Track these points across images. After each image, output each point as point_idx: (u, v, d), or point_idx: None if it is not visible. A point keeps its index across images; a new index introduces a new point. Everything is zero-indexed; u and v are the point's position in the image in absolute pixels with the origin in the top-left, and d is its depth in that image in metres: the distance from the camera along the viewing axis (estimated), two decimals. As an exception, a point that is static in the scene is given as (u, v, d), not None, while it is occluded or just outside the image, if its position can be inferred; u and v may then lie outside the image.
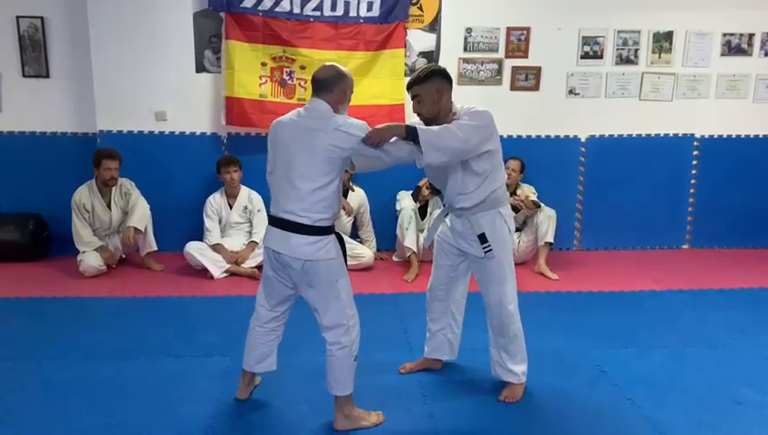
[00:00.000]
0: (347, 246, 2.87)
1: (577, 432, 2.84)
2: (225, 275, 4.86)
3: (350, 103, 2.81)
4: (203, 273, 4.83)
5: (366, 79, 5.22)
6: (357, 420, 2.79)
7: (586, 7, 5.39)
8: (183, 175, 5.34)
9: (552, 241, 5.03)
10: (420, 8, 5.31)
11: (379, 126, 2.65)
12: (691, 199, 5.79)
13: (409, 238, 4.95)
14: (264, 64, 5.20)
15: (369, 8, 5.19)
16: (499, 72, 5.43)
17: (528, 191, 5.21)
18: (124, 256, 5.18)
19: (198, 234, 5.07)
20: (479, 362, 3.31)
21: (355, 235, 5.38)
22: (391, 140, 2.66)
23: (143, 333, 3.74)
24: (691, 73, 5.56)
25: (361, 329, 2.78)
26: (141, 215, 4.90)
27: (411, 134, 2.65)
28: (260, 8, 5.09)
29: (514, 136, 5.46)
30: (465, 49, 5.39)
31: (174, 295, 4.42)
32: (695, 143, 5.70)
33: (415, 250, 4.96)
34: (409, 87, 2.91)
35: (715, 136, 5.70)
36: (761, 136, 5.73)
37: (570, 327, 3.93)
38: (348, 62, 5.01)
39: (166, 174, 5.30)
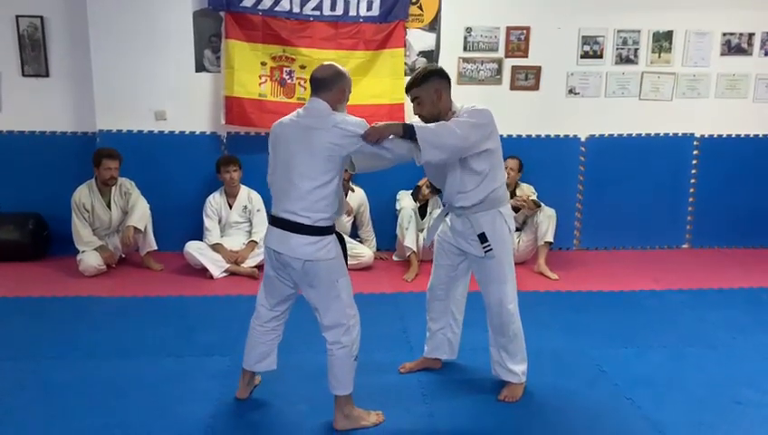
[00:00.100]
0: (347, 245, 2.87)
1: (576, 432, 2.84)
2: (224, 274, 4.85)
3: (350, 103, 2.82)
4: (203, 272, 4.83)
5: (366, 78, 5.22)
6: (357, 420, 2.79)
7: (586, 7, 5.39)
8: (183, 174, 5.34)
9: (551, 241, 5.03)
10: (420, 7, 5.31)
11: (376, 124, 2.65)
12: (691, 199, 5.79)
13: (409, 238, 4.95)
14: (263, 64, 5.20)
15: (369, 7, 5.19)
16: (499, 71, 5.43)
17: (528, 191, 5.22)
18: (124, 256, 5.17)
19: (198, 233, 5.07)
20: (479, 361, 3.31)
21: (355, 234, 5.38)
22: (390, 138, 2.66)
23: (143, 333, 3.74)
24: (691, 73, 5.56)
25: (361, 329, 2.78)
26: (141, 214, 4.89)
27: (408, 132, 2.65)
28: (260, 7, 5.08)
29: (514, 135, 5.46)
30: (465, 48, 5.38)
31: (174, 295, 4.42)
32: (694, 143, 5.70)
33: (415, 250, 4.96)
34: (408, 89, 2.91)
35: (715, 136, 5.70)
36: (761, 136, 5.73)
37: (569, 327, 3.93)
38: (347, 62, 5.01)
39: (165, 174, 5.30)
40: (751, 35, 5.54)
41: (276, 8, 5.10)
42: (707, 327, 3.97)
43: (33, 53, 5.21)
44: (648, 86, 5.55)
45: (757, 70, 5.60)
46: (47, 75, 5.25)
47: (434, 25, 5.34)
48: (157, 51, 5.14)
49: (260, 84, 5.21)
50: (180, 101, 5.25)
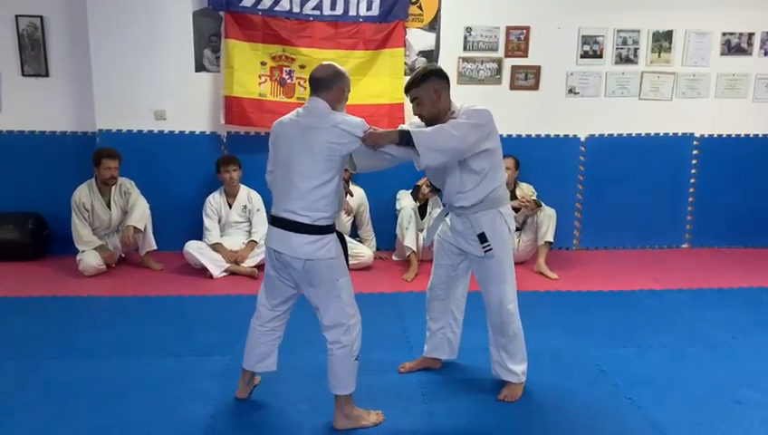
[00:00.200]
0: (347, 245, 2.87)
1: (576, 432, 2.84)
2: (224, 274, 4.85)
3: (350, 102, 2.82)
4: (202, 272, 4.83)
5: (365, 78, 5.22)
6: (357, 420, 2.79)
7: (586, 6, 5.39)
8: (182, 174, 5.34)
9: (551, 240, 5.03)
10: (420, 7, 5.30)
11: (374, 130, 2.65)
12: (690, 199, 5.79)
13: (409, 238, 4.95)
14: (263, 63, 5.20)
15: (369, 7, 5.18)
16: (499, 71, 5.43)
17: (527, 190, 5.22)
18: (123, 256, 5.17)
19: (198, 233, 5.07)
20: (479, 361, 3.31)
21: (355, 234, 5.38)
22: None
23: (143, 333, 3.74)
24: (691, 73, 5.56)
25: (362, 328, 2.78)
26: (141, 214, 4.89)
27: (405, 139, 2.66)
28: (259, 7, 5.08)
29: (514, 135, 5.45)
30: (465, 48, 5.38)
31: (173, 295, 4.42)
32: (694, 142, 5.70)
33: (414, 249, 4.96)
34: (407, 90, 2.92)
35: (715, 135, 5.70)
36: (760, 135, 5.73)
37: (569, 326, 3.93)
38: (347, 62, 5.01)
39: (165, 173, 5.30)
40: (751, 35, 5.54)
41: (276, 8, 5.10)
42: (707, 327, 3.98)
43: (32, 53, 5.21)
44: (647, 86, 5.55)
45: (757, 70, 5.60)
46: (47, 75, 5.24)
47: (434, 25, 5.34)
48: (156, 50, 5.14)
49: (260, 84, 5.21)
50: (180, 101, 5.24)
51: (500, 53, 5.41)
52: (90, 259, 4.77)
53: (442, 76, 2.90)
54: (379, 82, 5.26)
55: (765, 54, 5.58)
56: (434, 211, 5.05)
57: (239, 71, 5.13)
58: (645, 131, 5.63)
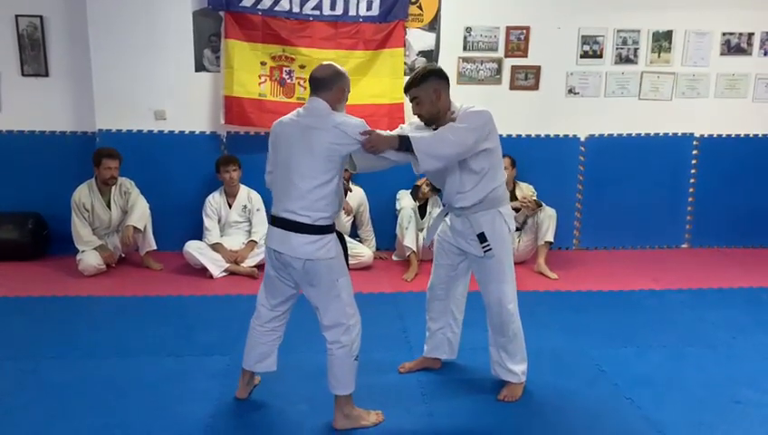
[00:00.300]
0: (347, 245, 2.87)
1: (576, 432, 2.84)
2: (224, 274, 4.85)
3: (350, 102, 2.82)
4: (202, 272, 4.83)
5: (365, 78, 5.22)
6: (356, 420, 2.79)
7: (586, 7, 5.39)
8: (182, 174, 5.34)
9: (552, 240, 5.03)
10: (420, 7, 5.30)
11: (373, 133, 2.65)
12: (690, 199, 5.79)
13: (409, 238, 4.95)
14: (263, 63, 5.20)
15: (369, 7, 5.18)
16: (498, 71, 5.43)
17: (527, 190, 5.22)
18: (123, 256, 5.17)
19: (198, 233, 5.07)
20: (479, 361, 3.31)
21: (354, 234, 5.38)
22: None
23: (142, 333, 3.74)
24: (690, 73, 5.56)
25: (361, 328, 2.78)
26: (141, 214, 4.89)
27: (405, 144, 2.68)
28: (259, 7, 5.08)
29: (514, 135, 5.46)
30: (465, 48, 5.38)
31: (173, 295, 4.42)
32: (694, 142, 5.70)
33: (414, 249, 4.96)
34: (407, 89, 2.92)
35: (715, 135, 5.70)
36: (760, 135, 5.73)
37: (569, 326, 3.94)
38: (347, 62, 5.01)
39: (165, 173, 5.30)
40: (750, 35, 5.54)
41: (276, 8, 5.10)
42: (707, 327, 3.98)
43: (32, 53, 5.21)
44: (647, 86, 5.55)
45: (757, 70, 5.60)
46: (47, 75, 5.24)
47: (433, 25, 5.34)
48: (156, 50, 5.14)
49: (259, 84, 5.21)
50: (180, 101, 5.24)
51: (500, 53, 5.41)
52: (90, 259, 4.77)
53: (442, 76, 2.90)
54: (378, 82, 5.26)
55: (765, 54, 5.58)
56: (434, 211, 5.05)
57: (239, 71, 5.13)
58: (645, 131, 5.63)
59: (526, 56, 5.42)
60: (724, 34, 5.53)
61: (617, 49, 5.48)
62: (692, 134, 5.69)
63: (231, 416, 2.89)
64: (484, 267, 2.98)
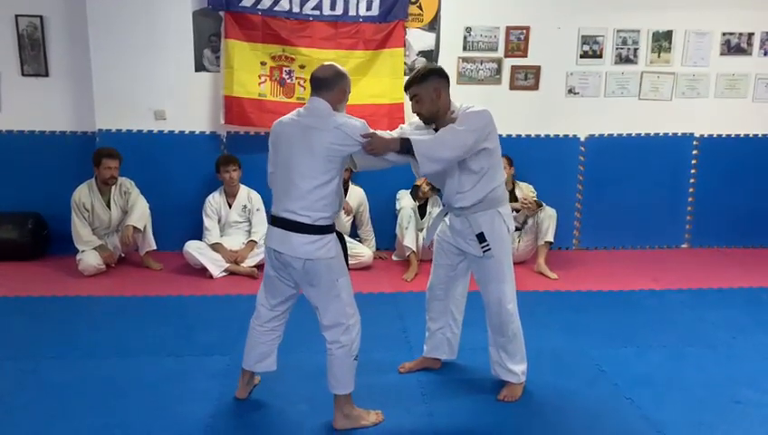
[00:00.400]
0: (347, 245, 2.87)
1: (576, 432, 2.84)
2: (224, 274, 4.85)
3: (350, 102, 2.83)
4: (202, 272, 4.83)
5: (365, 78, 5.22)
6: (356, 420, 2.79)
7: (586, 7, 5.39)
8: (182, 174, 5.34)
9: (552, 240, 5.03)
10: (420, 7, 5.30)
11: (375, 135, 2.65)
12: (690, 199, 5.80)
13: (409, 237, 4.95)
14: (263, 63, 5.20)
15: (369, 7, 5.18)
16: (498, 71, 5.43)
17: (527, 190, 5.22)
18: (123, 255, 5.17)
19: (198, 233, 5.07)
20: (478, 361, 3.31)
21: (354, 234, 5.38)
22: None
23: (142, 333, 3.74)
24: (690, 73, 5.56)
25: (361, 328, 2.78)
26: (140, 214, 4.89)
27: (406, 147, 2.69)
28: (259, 7, 5.08)
29: (514, 135, 5.46)
30: (465, 48, 5.38)
31: (173, 295, 4.42)
32: (694, 142, 5.70)
33: (414, 249, 4.96)
34: (407, 87, 2.92)
35: (715, 135, 5.70)
36: (760, 135, 5.74)
37: (569, 326, 3.94)
38: (347, 62, 5.01)
39: (165, 173, 5.30)
40: (750, 35, 5.54)
41: (276, 8, 5.10)
42: (707, 327, 3.98)
43: (32, 53, 5.21)
44: (647, 86, 5.55)
45: (757, 70, 5.60)
46: (47, 75, 5.24)
47: (433, 25, 5.34)
48: (156, 50, 5.14)
49: (259, 84, 5.21)
50: (180, 101, 5.24)
51: (500, 53, 5.41)
52: (89, 259, 4.77)
53: (442, 75, 2.91)
54: (378, 82, 5.26)
55: (765, 54, 5.59)
56: (433, 211, 5.05)
57: (239, 71, 5.13)
58: (645, 131, 5.63)
59: (526, 56, 5.42)
60: (724, 34, 5.53)
61: (617, 49, 5.48)
62: (692, 134, 5.69)
63: (231, 416, 2.89)
64: (484, 267, 2.98)
